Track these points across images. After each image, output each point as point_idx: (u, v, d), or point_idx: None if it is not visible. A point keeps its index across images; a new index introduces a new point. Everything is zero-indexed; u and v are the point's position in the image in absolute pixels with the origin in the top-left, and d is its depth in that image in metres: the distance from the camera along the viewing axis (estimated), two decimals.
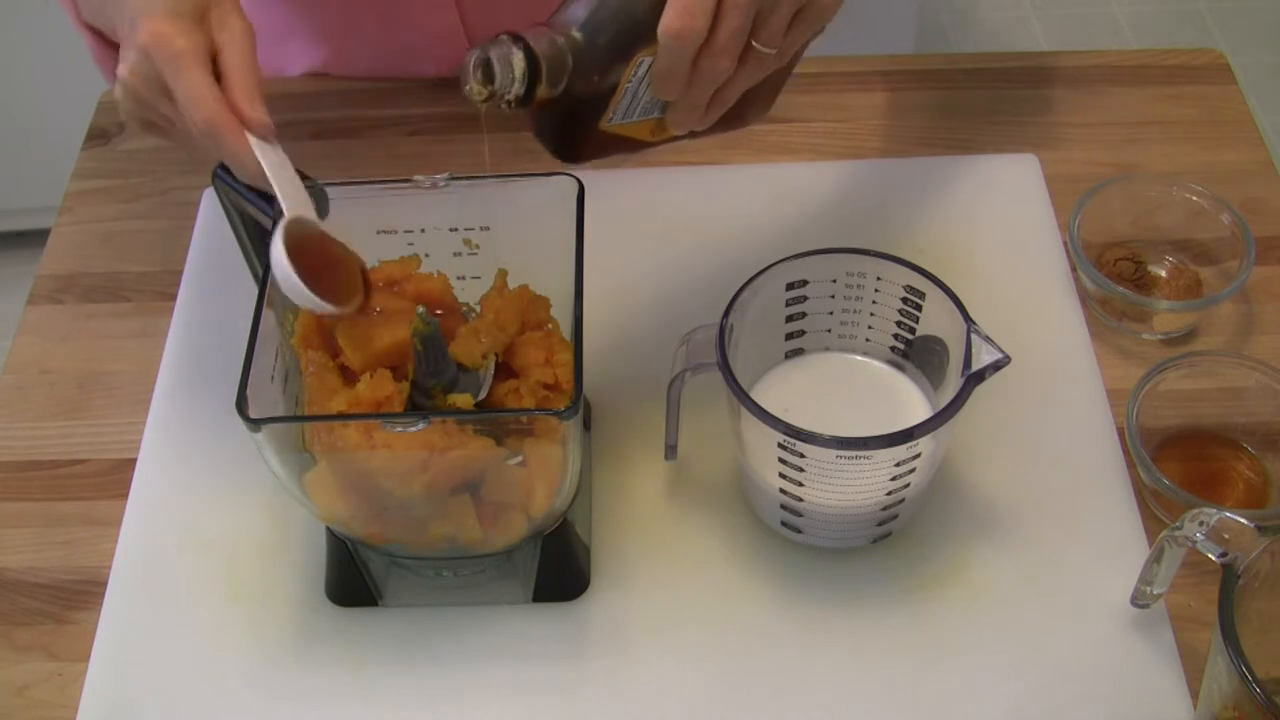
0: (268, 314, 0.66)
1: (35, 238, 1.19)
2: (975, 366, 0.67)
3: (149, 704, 0.71)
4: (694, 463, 0.79)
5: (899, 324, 0.75)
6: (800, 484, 0.69)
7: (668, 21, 0.63)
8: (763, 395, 0.75)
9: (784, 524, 0.74)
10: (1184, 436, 0.79)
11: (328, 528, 0.72)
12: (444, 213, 0.72)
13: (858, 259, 0.74)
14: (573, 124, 0.68)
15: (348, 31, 1.00)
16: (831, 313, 0.76)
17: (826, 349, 0.78)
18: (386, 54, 1.01)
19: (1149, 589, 0.70)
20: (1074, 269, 0.87)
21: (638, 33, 0.64)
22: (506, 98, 0.62)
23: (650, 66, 0.66)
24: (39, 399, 0.85)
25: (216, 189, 0.76)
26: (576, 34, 0.64)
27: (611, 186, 0.85)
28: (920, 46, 2.18)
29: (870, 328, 0.77)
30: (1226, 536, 0.62)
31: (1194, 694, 0.69)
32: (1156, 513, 0.76)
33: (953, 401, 0.66)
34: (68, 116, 1.28)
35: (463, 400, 0.66)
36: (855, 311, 0.76)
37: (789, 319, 0.76)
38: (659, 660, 0.71)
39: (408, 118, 1.00)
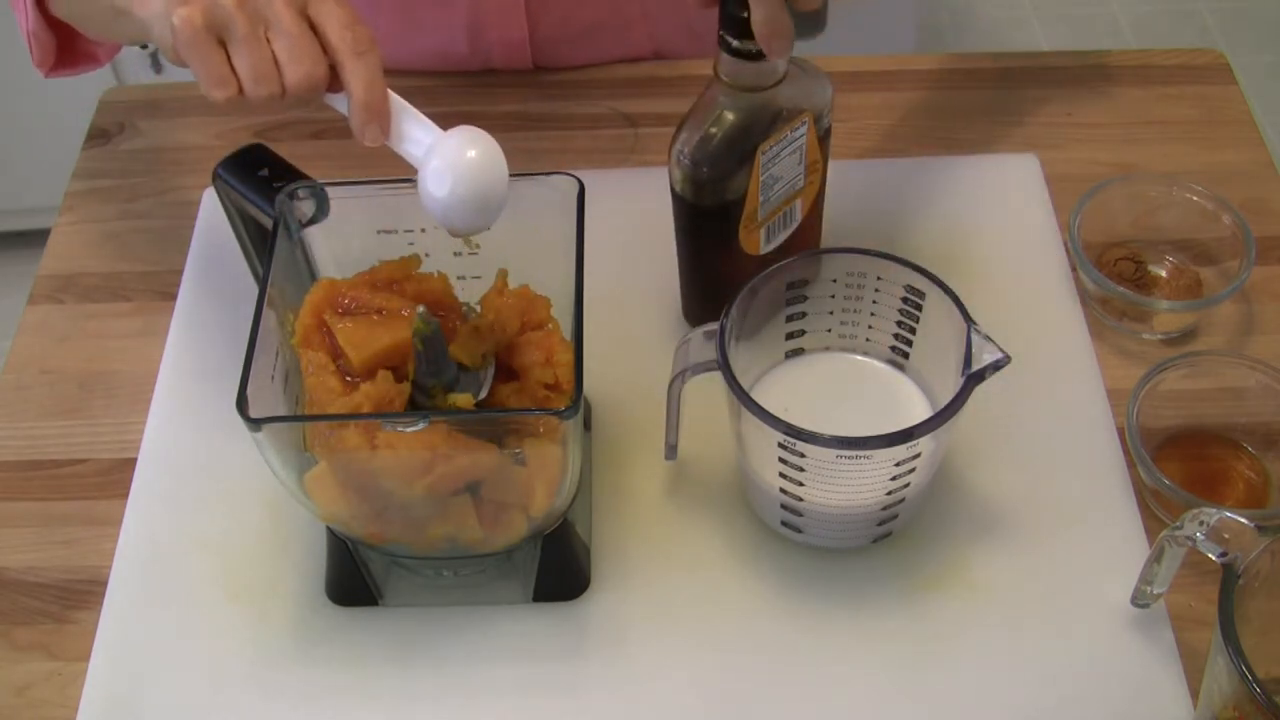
0: (268, 314, 0.66)
1: (35, 238, 1.18)
2: (975, 366, 0.67)
3: (149, 704, 0.71)
4: (694, 463, 0.79)
5: (899, 324, 0.75)
6: (800, 484, 0.69)
7: None
8: (763, 395, 0.75)
9: (784, 524, 0.74)
10: (1184, 436, 0.79)
11: (328, 527, 0.72)
12: None
13: (858, 259, 0.74)
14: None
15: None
16: (831, 313, 0.76)
17: (826, 349, 0.78)
18: (439, 37, 1.01)
19: (1149, 589, 0.70)
20: (1074, 269, 0.87)
21: None
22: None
23: None
24: (39, 399, 0.85)
25: (217, 189, 0.76)
26: None
27: (611, 186, 0.85)
28: (920, 46, 2.18)
29: (870, 328, 0.77)
30: (1226, 536, 0.62)
31: (1194, 694, 0.69)
32: (1156, 513, 0.76)
33: (953, 401, 0.66)
34: (68, 116, 1.28)
35: (463, 400, 0.66)
36: (855, 311, 0.76)
37: (789, 319, 0.76)
38: (659, 660, 0.71)
39: None
